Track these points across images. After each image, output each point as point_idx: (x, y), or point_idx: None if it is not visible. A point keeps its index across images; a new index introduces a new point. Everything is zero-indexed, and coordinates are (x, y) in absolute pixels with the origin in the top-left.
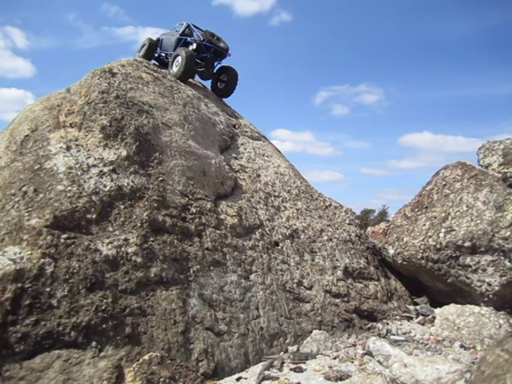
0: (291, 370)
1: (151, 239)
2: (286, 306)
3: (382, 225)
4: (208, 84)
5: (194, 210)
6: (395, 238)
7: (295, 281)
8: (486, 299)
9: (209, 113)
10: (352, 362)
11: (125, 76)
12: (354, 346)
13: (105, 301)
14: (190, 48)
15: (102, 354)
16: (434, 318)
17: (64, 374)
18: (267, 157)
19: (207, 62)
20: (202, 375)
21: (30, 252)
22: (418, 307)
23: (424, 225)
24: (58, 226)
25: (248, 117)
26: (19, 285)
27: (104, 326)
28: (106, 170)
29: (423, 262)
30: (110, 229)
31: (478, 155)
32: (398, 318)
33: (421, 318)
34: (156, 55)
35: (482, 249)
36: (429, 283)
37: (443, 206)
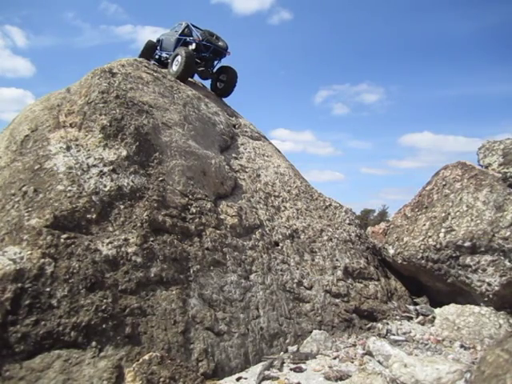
0: (291, 369)
1: (151, 239)
2: (286, 306)
3: (382, 225)
4: (208, 84)
5: (194, 210)
6: (395, 237)
7: (295, 281)
8: (486, 299)
9: (209, 113)
10: (352, 362)
11: (125, 76)
12: (354, 346)
13: (105, 301)
14: (190, 48)
15: (102, 353)
16: (433, 318)
17: (64, 373)
18: (267, 157)
19: (207, 62)
20: (202, 375)
21: (29, 252)
22: (418, 307)
23: (424, 225)
24: (58, 226)
25: (248, 116)
26: (19, 285)
27: (104, 325)
28: (106, 170)
29: (423, 261)
30: (110, 229)
31: (478, 155)
32: (398, 318)
33: (421, 317)
34: (157, 56)
35: (482, 249)
36: (429, 283)
37: (443, 206)
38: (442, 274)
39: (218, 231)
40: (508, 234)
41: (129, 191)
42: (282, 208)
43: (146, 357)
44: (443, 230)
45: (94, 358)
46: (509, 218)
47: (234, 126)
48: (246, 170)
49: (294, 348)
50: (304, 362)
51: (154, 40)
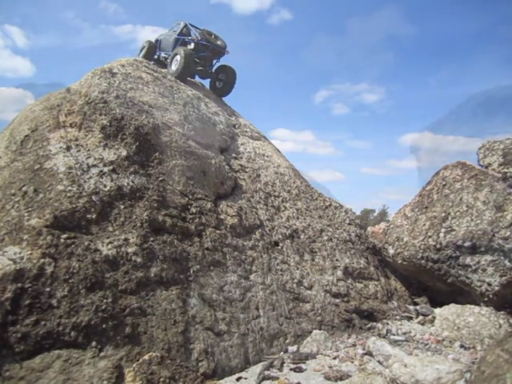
0: (291, 369)
1: (151, 239)
2: (286, 305)
3: (382, 225)
4: (207, 83)
5: (194, 210)
6: (395, 237)
7: (295, 281)
8: (485, 299)
9: (209, 113)
10: (352, 362)
11: (125, 76)
12: (354, 346)
13: (105, 301)
14: (188, 47)
15: (102, 353)
16: (434, 318)
17: (64, 373)
18: (267, 157)
19: (205, 61)
20: (201, 375)
21: (29, 252)
22: (418, 307)
23: (424, 225)
24: (58, 226)
25: (248, 116)
26: (19, 285)
27: (104, 325)
28: (106, 169)
29: (423, 261)
30: (110, 229)
31: (478, 155)
32: (398, 318)
33: (421, 318)
34: (156, 57)
35: (482, 249)
36: (429, 283)
37: (443, 206)
38: (442, 273)
39: (218, 231)
40: (508, 233)
41: (129, 191)
42: (282, 208)
43: (146, 357)
44: (443, 230)
45: (94, 358)
46: (509, 218)
47: (234, 126)
48: (246, 170)
49: (294, 348)
50: (304, 362)
51: (153, 40)
